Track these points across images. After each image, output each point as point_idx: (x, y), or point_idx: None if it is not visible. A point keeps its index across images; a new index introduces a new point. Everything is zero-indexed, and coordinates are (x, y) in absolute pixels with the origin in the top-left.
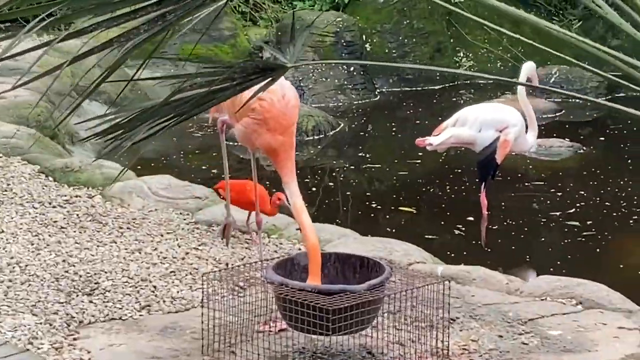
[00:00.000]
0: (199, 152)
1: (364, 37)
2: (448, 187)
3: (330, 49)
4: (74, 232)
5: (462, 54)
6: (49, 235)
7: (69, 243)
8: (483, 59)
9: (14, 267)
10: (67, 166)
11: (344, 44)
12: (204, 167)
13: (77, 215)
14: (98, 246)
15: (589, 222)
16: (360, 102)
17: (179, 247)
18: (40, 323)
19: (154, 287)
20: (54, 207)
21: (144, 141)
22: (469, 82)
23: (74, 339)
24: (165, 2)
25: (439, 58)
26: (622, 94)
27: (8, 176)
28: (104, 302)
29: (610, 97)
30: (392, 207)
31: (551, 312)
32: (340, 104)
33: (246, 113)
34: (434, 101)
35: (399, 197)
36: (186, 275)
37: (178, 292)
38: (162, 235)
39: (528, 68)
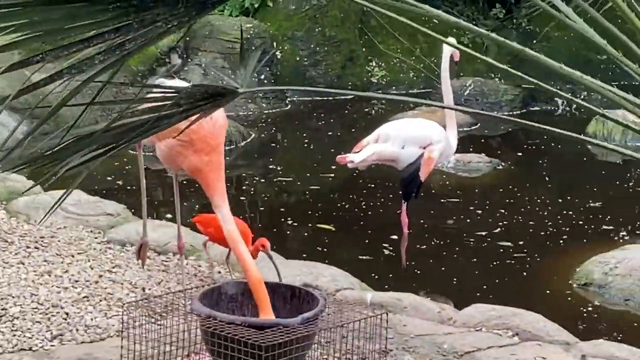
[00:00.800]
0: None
1: (274, 44)
2: (364, 202)
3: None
4: None
5: (374, 63)
6: None
7: None
8: (396, 68)
9: None
10: None
11: (254, 50)
12: (109, 178)
13: None
14: (4, 267)
15: (517, 243)
16: (270, 111)
17: (92, 269)
18: None
19: (66, 314)
20: None
21: (77, 168)
22: (381, 91)
23: None
24: (124, 28)
25: (351, 67)
26: (536, 108)
27: None
28: (12, 330)
29: (525, 110)
30: (310, 224)
31: (487, 345)
32: (251, 112)
33: (170, 134)
34: (346, 111)
35: (315, 212)
36: (100, 301)
37: (92, 319)
38: (72, 256)
39: (449, 49)
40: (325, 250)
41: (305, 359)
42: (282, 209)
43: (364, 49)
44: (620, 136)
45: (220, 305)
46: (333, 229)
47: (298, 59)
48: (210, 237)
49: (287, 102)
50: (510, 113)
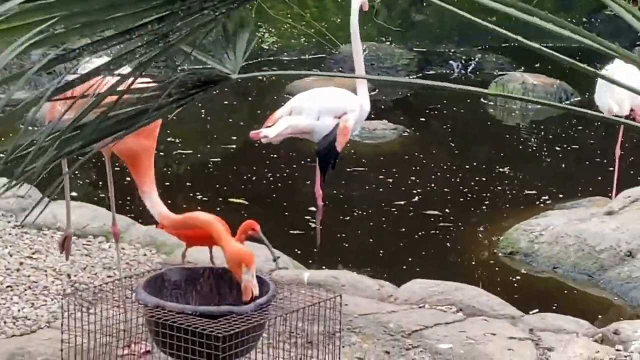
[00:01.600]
0: None
1: None
2: (270, 174)
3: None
4: None
5: (264, 30)
6: None
7: None
8: (287, 34)
9: None
10: None
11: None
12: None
13: None
14: None
15: (437, 212)
16: (161, 80)
17: (11, 256)
18: None
19: None
20: None
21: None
22: (272, 59)
23: None
24: (168, 18)
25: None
26: (432, 72)
27: None
28: None
29: (420, 74)
30: (220, 199)
31: (434, 322)
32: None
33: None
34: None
35: (223, 186)
36: (25, 290)
37: (19, 310)
38: None
39: (357, 1)
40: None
41: (256, 345)
42: (188, 183)
43: (254, 15)
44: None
45: (163, 293)
46: (246, 203)
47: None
48: (188, 240)
49: (179, 70)
50: (407, 77)
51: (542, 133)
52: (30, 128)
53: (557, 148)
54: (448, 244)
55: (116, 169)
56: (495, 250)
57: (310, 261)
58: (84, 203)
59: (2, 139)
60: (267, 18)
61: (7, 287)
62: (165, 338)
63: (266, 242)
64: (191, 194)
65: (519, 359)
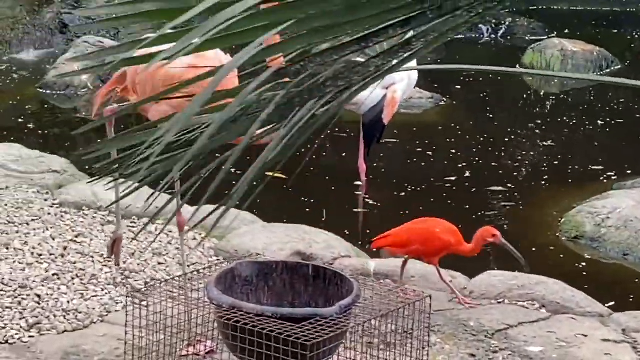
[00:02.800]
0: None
1: None
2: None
3: None
4: None
5: None
6: None
7: None
8: None
9: None
10: None
11: None
12: (20, 120)
13: None
14: None
15: (490, 189)
16: None
17: (53, 239)
18: None
19: (38, 296)
20: None
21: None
22: None
23: None
24: (414, 20)
25: None
26: (461, 36)
27: None
28: None
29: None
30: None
31: (518, 321)
32: None
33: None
34: None
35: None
36: (72, 279)
37: (69, 302)
38: (27, 224)
39: None
40: (289, 203)
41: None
42: (217, 154)
43: None
44: (560, 66)
45: (234, 290)
46: (285, 177)
47: None
48: (420, 255)
49: None
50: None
51: (584, 104)
52: None
53: (601, 122)
54: (506, 226)
55: None
56: (558, 234)
57: (360, 242)
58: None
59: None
60: None
61: (54, 275)
62: (243, 343)
63: (510, 248)
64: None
65: None
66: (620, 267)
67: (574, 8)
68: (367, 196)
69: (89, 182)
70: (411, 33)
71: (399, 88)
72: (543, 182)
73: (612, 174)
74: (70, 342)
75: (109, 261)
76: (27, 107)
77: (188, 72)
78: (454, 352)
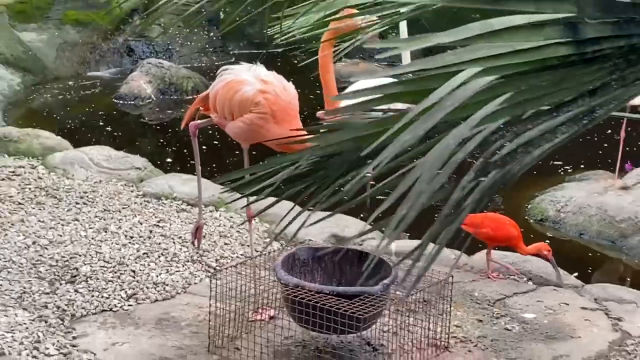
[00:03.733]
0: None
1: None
2: None
3: (193, 17)
4: (33, 208)
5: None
6: (9, 212)
7: (32, 222)
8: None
9: None
10: (5, 136)
11: (204, 12)
12: (100, 123)
13: (30, 189)
14: (62, 225)
15: None
16: (219, 62)
17: (140, 224)
18: (34, 320)
19: (133, 271)
20: (2, 179)
21: None
22: (304, 45)
23: (73, 338)
24: (600, 90)
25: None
26: None
27: None
28: (89, 291)
29: None
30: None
31: (512, 291)
32: (203, 64)
33: (248, 108)
34: (278, 62)
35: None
36: (159, 257)
37: (157, 276)
38: (119, 211)
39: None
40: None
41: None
42: (254, 152)
43: (289, 10)
44: None
45: (294, 270)
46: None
47: (237, 18)
48: (487, 238)
49: (230, 54)
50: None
51: None
52: None
53: None
54: (485, 210)
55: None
56: (526, 217)
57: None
58: (193, 176)
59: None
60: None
61: (143, 254)
62: (306, 315)
63: (554, 264)
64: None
65: (597, 330)
66: (577, 244)
67: None
68: (372, 183)
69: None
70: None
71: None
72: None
73: (569, 167)
74: (162, 309)
75: (185, 242)
76: (101, 112)
77: (257, 95)
78: (465, 318)
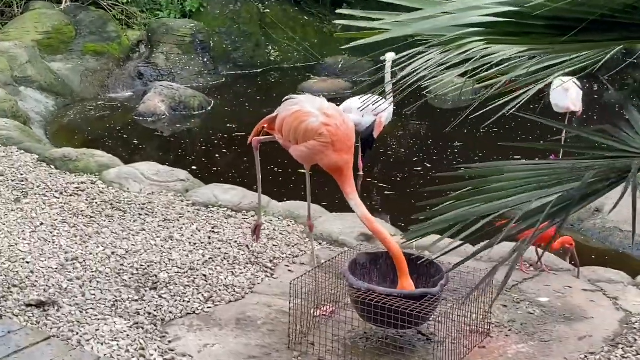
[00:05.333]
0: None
1: (210, 37)
2: None
3: (189, 46)
4: (103, 220)
5: (270, 48)
6: (85, 225)
7: (107, 233)
8: (285, 50)
9: (74, 263)
10: (65, 156)
11: (198, 42)
12: (125, 136)
13: (96, 203)
14: (132, 235)
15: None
16: (213, 82)
17: (199, 231)
18: (131, 327)
19: (204, 276)
20: (70, 195)
21: None
22: (277, 67)
23: (169, 342)
24: None
25: (258, 50)
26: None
27: (16, 165)
28: (172, 296)
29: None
30: (290, 170)
31: (522, 277)
32: (200, 84)
33: (312, 137)
34: (258, 80)
35: (284, 160)
36: (222, 261)
37: (225, 279)
38: (178, 220)
39: (390, 57)
40: (322, 193)
41: None
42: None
43: (264, 38)
44: (453, 92)
45: (356, 273)
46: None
47: (224, 46)
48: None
49: (221, 75)
50: (369, 78)
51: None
52: None
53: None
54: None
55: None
56: None
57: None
58: (235, 186)
59: None
60: (272, 40)
61: (209, 258)
62: (371, 315)
63: (576, 258)
64: (268, 166)
65: (603, 310)
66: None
67: None
68: (362, 179)
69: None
70: None
71: (384, 115)
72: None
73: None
74: (237, 310)
75: (240, 246)
76: (128, 127)
77: (321, 127)
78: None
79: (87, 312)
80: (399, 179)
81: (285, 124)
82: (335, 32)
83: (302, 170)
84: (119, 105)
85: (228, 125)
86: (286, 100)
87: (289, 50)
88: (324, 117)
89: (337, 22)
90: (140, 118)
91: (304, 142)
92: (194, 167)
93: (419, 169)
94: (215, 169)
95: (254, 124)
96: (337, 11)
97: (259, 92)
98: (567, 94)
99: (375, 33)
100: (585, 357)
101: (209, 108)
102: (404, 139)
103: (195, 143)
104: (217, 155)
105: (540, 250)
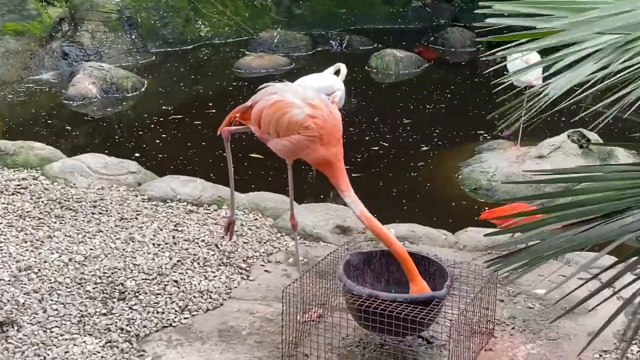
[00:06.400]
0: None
1: (136, 12)
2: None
3: (116, 23)
4: (54, 222)
5: (200, 23)
6: (33, 229)
7: (60, 237)
8: (215, 25)
9: (28, 274)
10: (1, 149)
11: (125, 18)
12: (67, 130)
13: (43, 202)
14: (89, 238)
15: (393, 159)
16: (143, 61)
17: (161, 230)
18: (103, 346)
19: (175, 282)
20: (12, 194)
21: None
22: (208, 42)
23: None
24: None
25: (187, 26)
26: (319, 49)
27: None
28: (143, 307)
29: (313, 51)
30: (240, 155)
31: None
32: (130, 63)
33: (296, 130)
34: (190, 57)
35: (242, 143)
36: (192, 263)
37: (199, 283)
38: (136, 218)
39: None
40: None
41: None
42: (203, 143)
43: (193, 12)
44: (394, 66)
45: (349, 274)
46: (263, 157)
47: (152, 22)
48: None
49: (150, 52)
50: (306, 53)
51: (419, 90)
52: None
53: (438, 100)
54: (418, 184)
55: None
56: (461, 187)
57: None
58: (193, 178)
59: None
60: (202, 15)
61: (177, 261)
62: (374, 323)
63: None
64: (216, 152)
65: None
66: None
67: (382, 27)
68: None
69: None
70: None
71: (338, 94)
72: (426, 149)
73: (480, 136)
74: (218, 319)
75: (208, 245)
76: (56, 112)
77: (307, 120)
78: (485, 299)
79: (51, 332)
80: (359, 160)
81: (264, 115)
82: (264, 4)
83: (254, 155)
84: (45, 88)
85: (164, 107)
86: (262, 88)
87: (220, 25)
88: (309, 108)
89: (489, 21)
90: (70, 102)
91: (286, 136)
92: (136, 155)
93: (376, 148)
94: (160, 156)
95: (191, 105)
96: (480, 3)
97: (192, 71)
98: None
99: (549, 33)
100: (600, 355)
101: (143, 89)
102: (353, 116)
103: (132, 128)
104: (158, 141)
105: None
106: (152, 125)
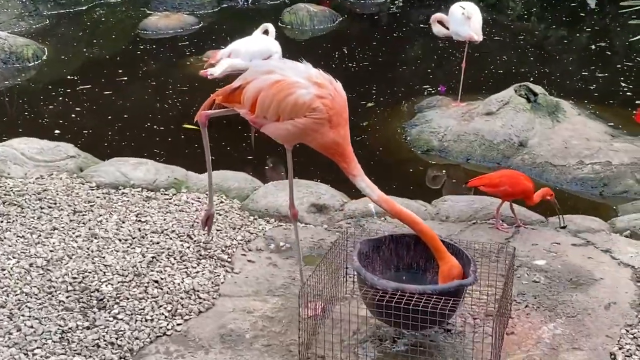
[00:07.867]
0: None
1: None
2: (180, 99)
3: None
4: (1, 222)
5: None
6: None
7: (11, 239)
8: None
9: None
10: None
11: None
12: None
13: None
14: (44, 237)
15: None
16: (36, 26)
17: (123, 222)
18: None
19: (156, 282)
20: None
21: None
22: (103, 2)
23: None
24: None
25: None
26: (225, 5)
27: None
28: (128, 316)
29: (218, 7)
30: (172, 127)
31: (503, 238)
32: (23, 29)
33: (302, 113)
34: (85, 19)
35: (157, 114)
36: (168, 259)
37: (182, 282)
38: (91, 211)
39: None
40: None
41: None
42: (125, 115)
43: None
44: (309, 22)
45: (361, 264)
46: (196, 127)
47: None
48: (506, 195)
49: (43, 16)
50: (212, 10)
51: (339, 46)
52: None
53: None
54: (367, 148)
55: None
56: (412, 149)
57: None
58: (144, 160)
59: None
60: None
61: (152, 257)
62: (407, 319)
63: (558, 208)
64: (148, 124)
65: (607, 267)
66: (468, 170)
67: None
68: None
69: None
70: None
71: (275, 57)
72: (371, 105)
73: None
74: (215, 322)
75: (180, 236)
76: None
77: (315, 101)
78: (486, 274)
79: (34, 354)
80: None
81: (262, 96)
82: None
83: (188, 125)
84: None
85: (69, 77)
86: (254, 66)
87: None
88: (315, 87)
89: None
90: None
91: (289, 119)
92: (57, 132)
93: None
94: (85, 132)
95: (99, 73)
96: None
97: (91, 34)
98: (469, 23)
99: None
100: (627, 331)
101: (44, 57)
102: None
103: (41, 103)
104: (75, 116)
105: (515, 206)
106: (61, 98)
